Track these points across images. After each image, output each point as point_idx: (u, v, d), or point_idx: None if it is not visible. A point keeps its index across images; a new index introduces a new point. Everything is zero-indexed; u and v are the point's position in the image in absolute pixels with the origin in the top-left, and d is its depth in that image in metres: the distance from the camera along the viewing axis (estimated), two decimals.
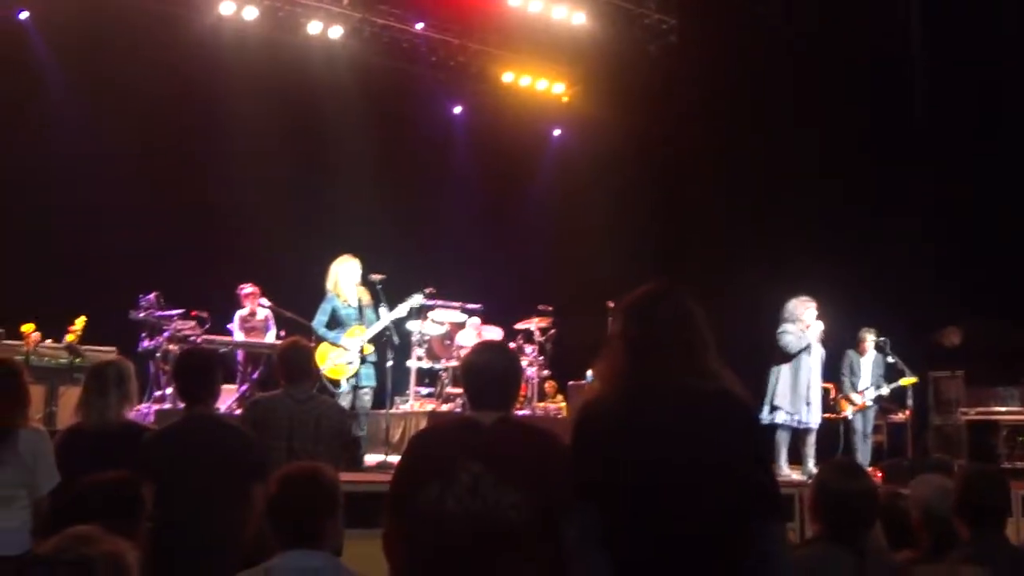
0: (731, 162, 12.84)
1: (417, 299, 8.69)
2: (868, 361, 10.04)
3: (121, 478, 3.36)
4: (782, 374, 8.77)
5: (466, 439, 3.16)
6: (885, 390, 9.91)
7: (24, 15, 10.84)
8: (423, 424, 8.96)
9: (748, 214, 12.73)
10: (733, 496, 2.70)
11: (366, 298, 8.40)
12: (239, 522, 4.05)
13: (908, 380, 9.77)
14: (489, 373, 3.27)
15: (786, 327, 8.83)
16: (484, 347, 3.52)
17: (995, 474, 3.80)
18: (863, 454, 9.77)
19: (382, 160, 12.59)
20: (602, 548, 2.67)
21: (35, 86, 10.58)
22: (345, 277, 8.32)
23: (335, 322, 8.33)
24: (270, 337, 10.17)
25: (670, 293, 2.97)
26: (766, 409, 8.68)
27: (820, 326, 8.81)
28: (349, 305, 8.31)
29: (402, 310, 8.56)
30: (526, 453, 3.10)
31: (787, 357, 8.76)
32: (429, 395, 10.34)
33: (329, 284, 8.34)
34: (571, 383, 11.10)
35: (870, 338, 9.96)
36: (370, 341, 8.20)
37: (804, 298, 8.91)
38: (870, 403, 9.95)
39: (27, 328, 8.42)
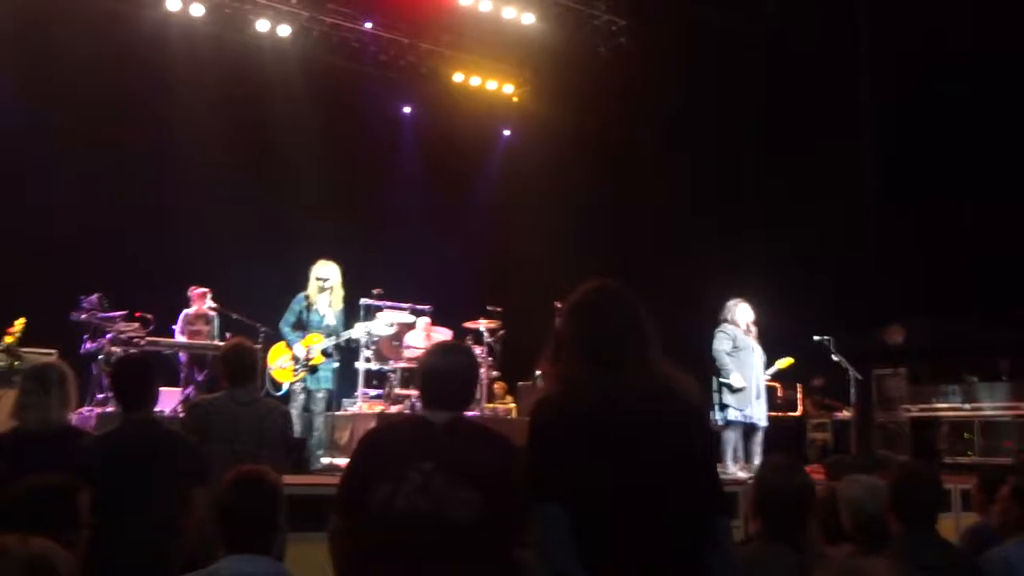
0: (679, 162, 12.95)
1: (381, 324, 8.72)
2: None
3: (58, 482, 3.29)
4: (724, 375, 8.82)
5: (418, 438, 3.14)
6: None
7: None
8: (371, 426, 8.91)
9: (694, 214, 12.84)
10: (692, 493, 2.75)
11: (337, 304, 8.31)
12: (179, 527, 3.99)
13: (785, 362, 9.69)
14: (445, 373, 3.25)
15: (724, 328, 8.92)
16: (442, 347, 3.50)
17: (926, 472, 3.86)
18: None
19: (331, 160, 12.50)
20: (568, 544, 2.65)
21: None
22: (316, 280, 8.24)
23: (300, 324, 8.25)
24: (214, 339, 10.07)
25: (615, 290, 2.99)
26: (716, 408, 8.75)
27: (753, 325, 8.90)
28: (316, 310, 8.24)
29: (359, 331, 8.55)
30: (479, 453, 3.09)
31: (721, 359, 8.82)
32: (377, 397, 10.27)
33: (309, 286, 8.27)
34: (520, 383, 11.12)
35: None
36: (323, 352, 8.13)
37: (737, 299, 9.01)
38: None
39: None
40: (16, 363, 7.98)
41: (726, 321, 8.94)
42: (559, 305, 9.72)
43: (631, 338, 2.88)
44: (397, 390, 10.08)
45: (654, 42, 12.84)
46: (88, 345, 9.31)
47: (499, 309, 10.65)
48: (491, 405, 10.92)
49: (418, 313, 10.41)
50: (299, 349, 8.10)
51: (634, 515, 2.69)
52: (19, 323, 8.26)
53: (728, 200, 12.64)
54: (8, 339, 8.19)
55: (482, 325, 10.36)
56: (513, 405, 11.15)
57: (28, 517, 2.92)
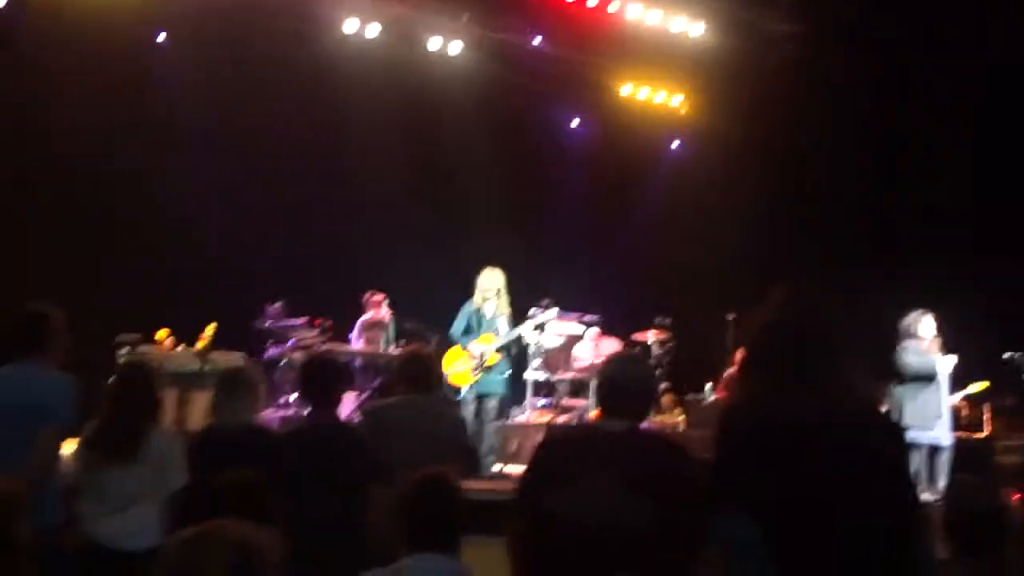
0: (854, 175, 12.54)
1: (551, 314, 8.84)
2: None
3: (251, 477, 3.46)
4: (908, 392, 8.47)
5: (594, 446, 3.16)
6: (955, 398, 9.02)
7: (161, 37, 11.30)
8: (539, 436, 8.96)
9: (870, 228, 12.40)
10: (883, 509, 2.65)
11: (504, 309, 8.54)
12: (361, 524, 4.13)
13: (979, 386, 9.15)
14: (623, 383, 3.26)
15: (907, 344, 8.55)
16: (621, 357, 3.54)
17: None
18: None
19: (500, 174, 12.68)
20: (754, 558, 2.61)
21: (167, 105, 11.00)
22: (481, 287, 8.47)
23: (470, 330, 8.53)
24: (388, 346, 10.35)
25: (806, 299, 2.93)
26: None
27: (937, 339, 8.51)
28: (485, 315, 8.45)
29: (532, 325, 8.71)
30: (655, 462, 3.07)
31: (911, 376, 8.46)
32: (546, 407, 10.33)
33: (475, 294, 8.53)
34: (690, 396, 10.95)
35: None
36: (497, 351, 8.34)
37: (919, 311, 8.62)
38: None
39: (161, 335, 8.74)
40: (207, 367, 8.37)
41: (909, 336, 8.57)
42: (731, 317, 9.69)
43: (820, 348, 2.81)
44: (565, 401, 10.13)
45: (827, 51, 12.49)
46: (271, 351, 9.76)
47: (668, 321, 10.55)
48: (659, 418, 10.81)
49: (587, 324, 10.43)
50: (476, 347, 8.33)
51: (821, 529, 2.61)
52: (210, 329, 8.57)
53: (907, 214, 12.17)
54: (200, 344, 8.53)
55: (651, 337, 10.29)
56: (682, 418, 10.98)
57: (226, 507, 3.08)
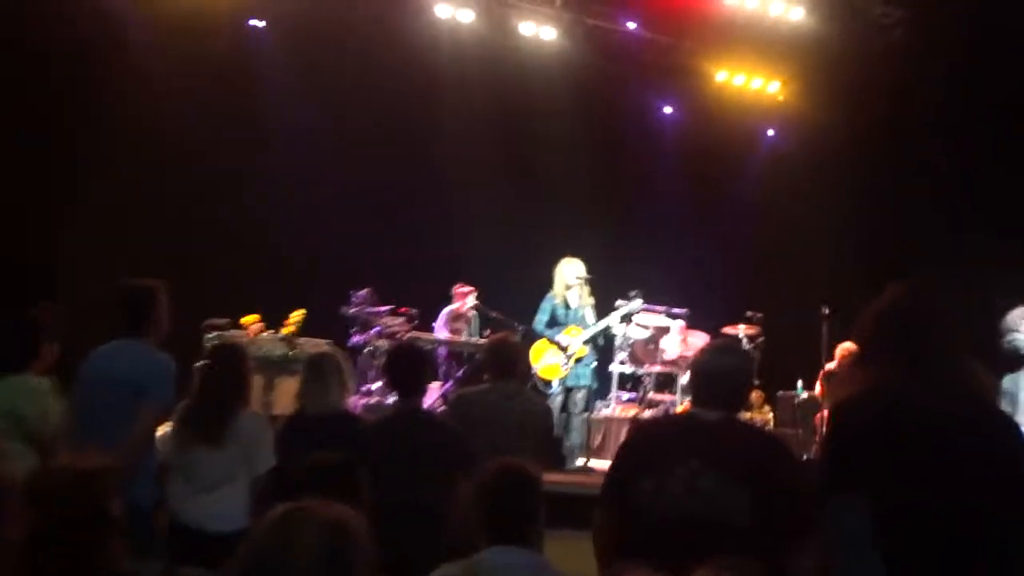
0: (961, 164, 12.16)
1: (636, 304, 8.75)
2: None
3: (341, 460, 3.51)
4: (1021, 382, 8.16)
5: (687, 435, 3.15)
6: None
7: (254, 23, 11.54)
8: (624, 430, 8.94)
9: (977, 219, 12.01)
10: (1007, 504, 2.60)
11: (587, 299, 8.50)
12: (446, 512, 4.16)
13: None
14: (719, 373, 3.24)
15: (1014, 336, 8.25)
16: (715, 345, 3.52)
17: None
18: None
19: (591, 161, 12.64)
20: (867, 548, 2.55)
21: (258, 90, 11.22)
22: (564, 278, 8.44)
23: (554, 322, 8.49)
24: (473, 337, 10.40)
25: (923, 290, 2.90)
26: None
27: None
28: (567, 306, 8.43)
29: (619, 315, 8.64)
30: (749, 450, 3.05)
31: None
32: (631, 400, 10.28)
33: (555, 285, 8.50)
34: (780, 393, 10.77)
35: None
36: (585, 343, 8.30)
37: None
38: None
39: (248, 319, 8.86)
40: (292, 352, 8.48)
41: (1013, 331, 8.28)
42: (825, 311, 9.50)
43: (936, 338, 2.77)
44: (651, 395, 10.05)
45: (933, 36, 12.13)
46: (356, 338, 9.86)
47: (759, 315, 10.38)
48: (748, 415, 10.66)
49: (674, 316, 10.33)
50: (564, 339, 8.30)
51: (938, 519, 2.56)
52: (297, 314, 8.64)
53: (1009, 199, 11.76)
54: (286, 330, 8.62)
55: (741, 331, 10.13)
56: (771, 416, 10.82)
57: (314, 490, 3.13)
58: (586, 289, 8.55)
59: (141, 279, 5.00)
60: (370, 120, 11.61)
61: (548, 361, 8.37)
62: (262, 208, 10.97)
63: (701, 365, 3.33)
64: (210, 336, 8.40)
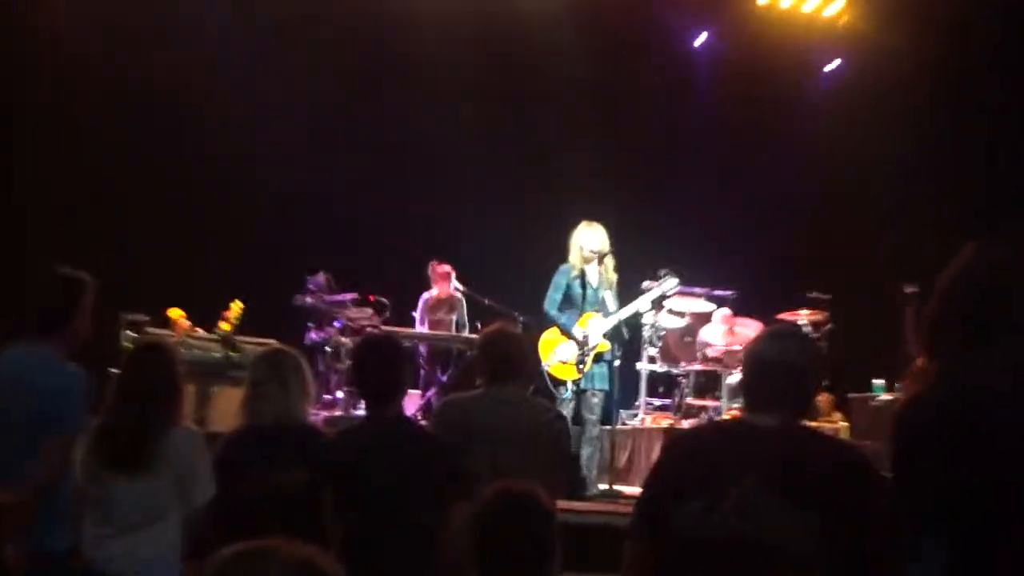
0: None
1: (670, 285, 8.61)
2: None
3: (304, 484, 3.48)
4: None
5: (738, 446, 3.13)
6: None
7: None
8: (657, 445, 8.93)
9: None
10: None
11: (610, 275, 8.36)
12: (432, 541, 4.15)
13: None
14: (775, 364, 3.22)
15: None
16: (772, 332, 3.49)
17: None
18: None
19: (606, 107, 12.62)
20: None
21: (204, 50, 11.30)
22: (585, 247, 8.30)
23: (568, 302, 8.33)
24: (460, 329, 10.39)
25: (1000, 255, 2.92)
26: None
27: None
28: (588, 283, 8.31)
29: (650, 298, 8.52)
30: (819, 467, 3.03)
31: None
32: (664, 407, 10.29)
33: (571, 255, 8.36)
34: (852, 395, 10.79)
35: None
36: (606, 336, 8.15)
37: None
38: None
39: (174, 314, 8.78)
40: (233, 354, 8.44)
41: None
42: (908, 291, 9.49)
43: (1012, 305, 2.81)
44: (689, 400, 10.05)
45: None
46: (313, 335, 9.84)
47: (826, 297, 10.38)
48: (814, 422, 10.68)
49: (717, 300, 10.32)
50: (579, 331, 8.12)
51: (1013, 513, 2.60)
52: (236, 306, 8.54)
53: None
54: (224, 326, 8.51)
55: (803, 317, 10.14)
56: (843, 424, 10.83)
57: (271, 524, 3.11)
58: (610, 264, 8.33)
59: (63, 268, 4.90)
60: (330, 68, 11.65)
61: (560, 358, 8.19)
62: (184, 171, 10.93)
63: (754, 356, 3.30)
64: (127, 335, 8.37)
